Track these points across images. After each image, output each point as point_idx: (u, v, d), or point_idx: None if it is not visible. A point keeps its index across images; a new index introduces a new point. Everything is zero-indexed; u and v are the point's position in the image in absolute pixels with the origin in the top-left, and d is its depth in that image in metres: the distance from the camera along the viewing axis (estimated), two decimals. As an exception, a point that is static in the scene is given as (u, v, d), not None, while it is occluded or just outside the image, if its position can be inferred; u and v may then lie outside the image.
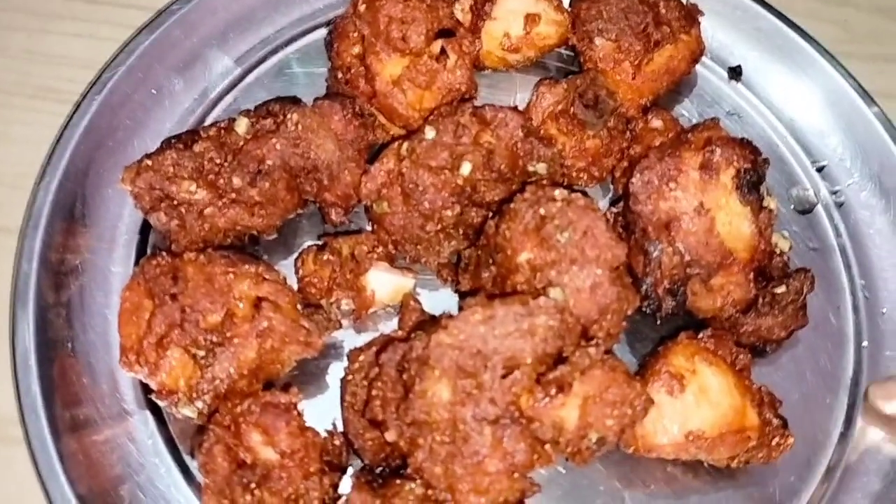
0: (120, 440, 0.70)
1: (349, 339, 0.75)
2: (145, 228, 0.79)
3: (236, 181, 0.71)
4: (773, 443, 0.70)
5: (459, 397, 0.58)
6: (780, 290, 0.74)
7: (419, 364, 0.60)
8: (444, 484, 0.58)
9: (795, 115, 0.92)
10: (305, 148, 0.72)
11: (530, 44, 0.86)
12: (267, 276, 0.71)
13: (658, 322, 0.74)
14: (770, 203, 0.73)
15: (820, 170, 0.89)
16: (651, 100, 0.87)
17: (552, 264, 0.64)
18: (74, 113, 0.79)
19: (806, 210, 0.88)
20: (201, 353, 0.66)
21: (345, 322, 0.74)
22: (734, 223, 0.72)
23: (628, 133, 0.84)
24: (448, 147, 0.72)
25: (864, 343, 0.81)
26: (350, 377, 0.67)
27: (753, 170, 0.72)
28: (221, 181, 0.71)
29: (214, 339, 0.66)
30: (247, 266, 0.71)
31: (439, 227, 0.73)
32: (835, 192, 0.88)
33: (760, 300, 0.74)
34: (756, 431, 0.69)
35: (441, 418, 0.58)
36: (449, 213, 0.73)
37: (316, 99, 0.76)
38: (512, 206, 0.68)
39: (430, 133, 0.73)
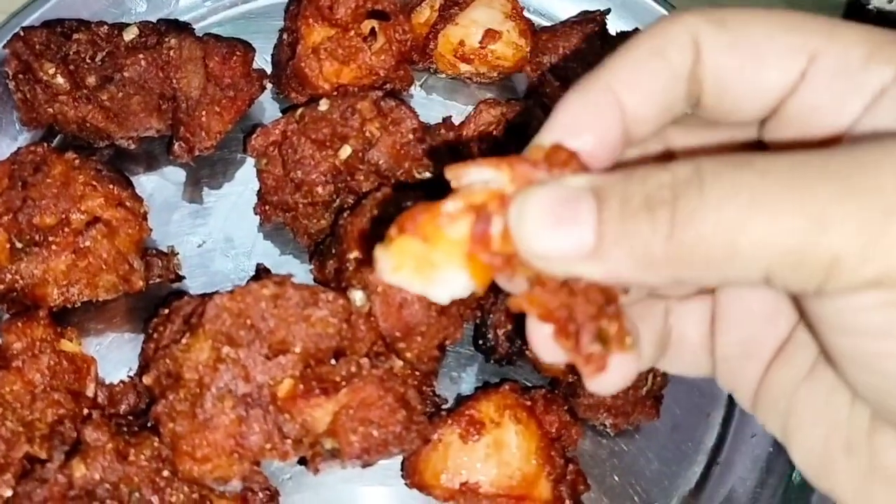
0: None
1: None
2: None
3: (90, 79, 0.72)
4: (560, 524, 0.66)
5: (214, 363, 0.56)
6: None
7: (197, 319, 0.58)
8: (169, 439, 0.57)
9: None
10: (171, 74, 0.72)
11: (483, 59, 0.83)
12: (127, 204, 0.71)
13: (491, 363, 0.71)
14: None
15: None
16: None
17: (372, 270, 0.62)
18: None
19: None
20: (20, 244, 0.66)
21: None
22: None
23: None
24: (332, 124, 0.71)
25: (719, 460, 0.75)
26: (153, 322, 0.66)
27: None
28: (80, 75, 0.72)
29: (38, 237, 0.66)
30: (112, 186, 0.71)
31: (308, 200, 0.72)
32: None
33: (603, 377, 0.69)
34: (541, 505, 0.65)
35: (191, 377, 0.57)
36: (320, 189, 0.71)
37: (218, 37, 0.76)
38: (363, 201, 0.66)
39: (323, 105, 0.71)
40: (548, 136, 0.35)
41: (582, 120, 0.35)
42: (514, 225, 0.32)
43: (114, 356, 0.72)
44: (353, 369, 0.57)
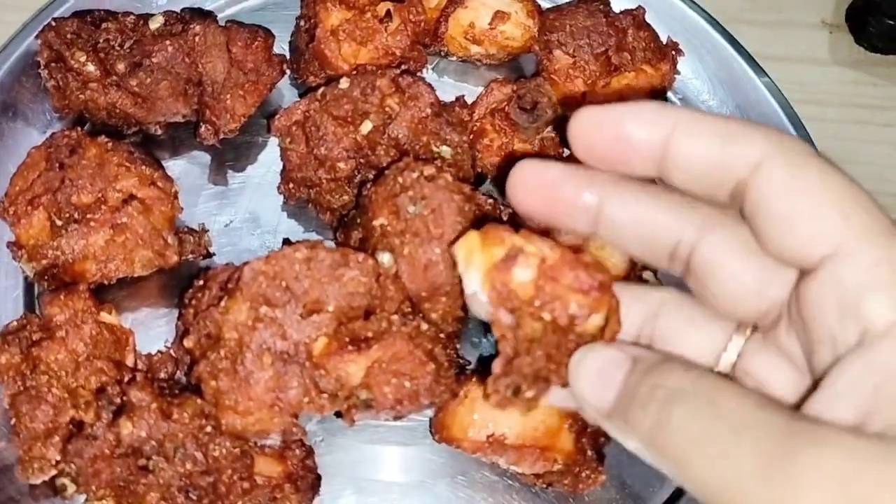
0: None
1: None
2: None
3: (120, 66, 0.75)
4: (583, 474, 0.69)
5: (253, 322, 0.59)
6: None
7: (234, 284, 0.61)
8: (211, 397, 0.60)
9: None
10: (196, 59, 0.76)
11: (492, 40, 0.86)
12: (159, 184, 0.74)
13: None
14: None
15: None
16: (601, 124, 0.86)
17: (399, 233, 0.65)
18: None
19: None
20: (59, 222, 0.69)
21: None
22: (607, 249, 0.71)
23: (564, 150, 0.83)
24: (353, 101, 0.74)
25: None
26: (189, 293, 0.68)
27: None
28: (110, 63, 0.75)
29: (77, 215, 0.70)
30: (144, 167, 0.74)
31: (331, 175, 0.75)
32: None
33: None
34: (564, 456, 0.67)
35: (230, 336, 0.60)
36: (342, 164, 0.75)
37: (240, 23, 0.79)
38: (387, 171, 0.69)
39: (343, 84, 0.75)
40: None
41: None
42: (572, 371, 0.45)
43: (149, 330, 0.76)
44: (384, 325, 0.60)
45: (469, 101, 0.83)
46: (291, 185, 0.79)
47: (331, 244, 0.63)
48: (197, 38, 0.76)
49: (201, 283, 0.66)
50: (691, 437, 0.37)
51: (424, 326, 0.64)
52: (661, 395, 0.39)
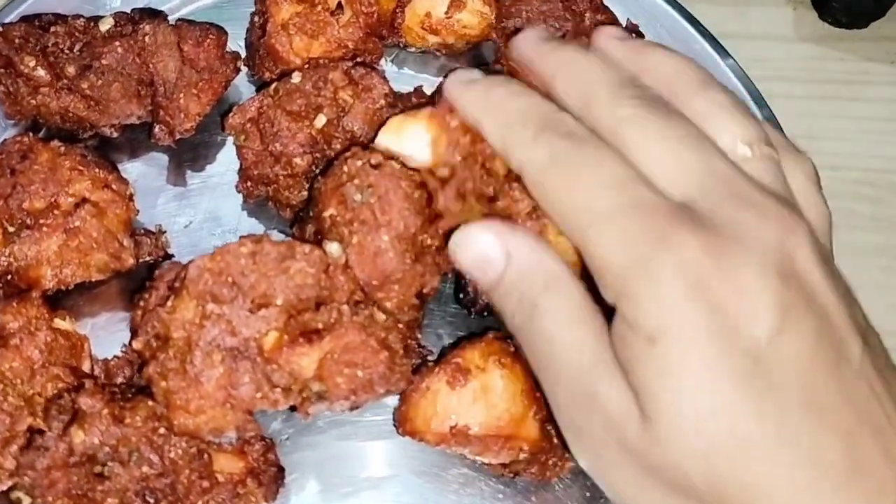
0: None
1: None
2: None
3: (70, 70, 0.74)
4: (549, 462, 0.68)
5: (200, 320, 0.59)
6: (605, 313, 0.71)
7: (180, 282, 0.61)
8: (163, 398, 0.59)
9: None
10: (147, 59, 0.75)
11: (450, 29, 0.85)
12: (113, 186, 0.73)
13: (472, 316, 0.73)
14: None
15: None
16: (562, 109, 0.85)
17: (347, 223, 0.64)
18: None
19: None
20: (12, 228, 0.69)
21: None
22: (565, 239, 0.70)
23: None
24: (306, 95, 0.73)
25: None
26: (138, 294, 0.68)
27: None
28: (60, 67, 0.74)
29: (29, 221, 0.69)
30: (98, 170, 0.73)
31: (288, 171, 0.74)
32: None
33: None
34: (530, 444, 0.66)
35: (178, 335, 0.59)
36: (299, 160, 0.74)
37: (192, 22, 0.78)
38: (335, 161, 0.68)
39: (295, 78, 0.74)
40: None
41: None
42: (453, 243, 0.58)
43: (108, 335, 0.74)
44: (335, 316, 0.59)
45: (427, 91, 0.82)
46: (249, 184, 0.78)
47: (280, 237, 0.62)
48: (147, 38, 0.76)
49: (150, 283, 0.65)
50: (550, 337, 0.50)
51: (379, 316, 0.63)
52: (527, 308, 0.51)
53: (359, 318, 0.60)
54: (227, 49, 0.81)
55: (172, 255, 0.77)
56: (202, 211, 0.81)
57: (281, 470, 0.66)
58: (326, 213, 0.66)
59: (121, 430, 0.60)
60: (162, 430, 0.60)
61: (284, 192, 0.76)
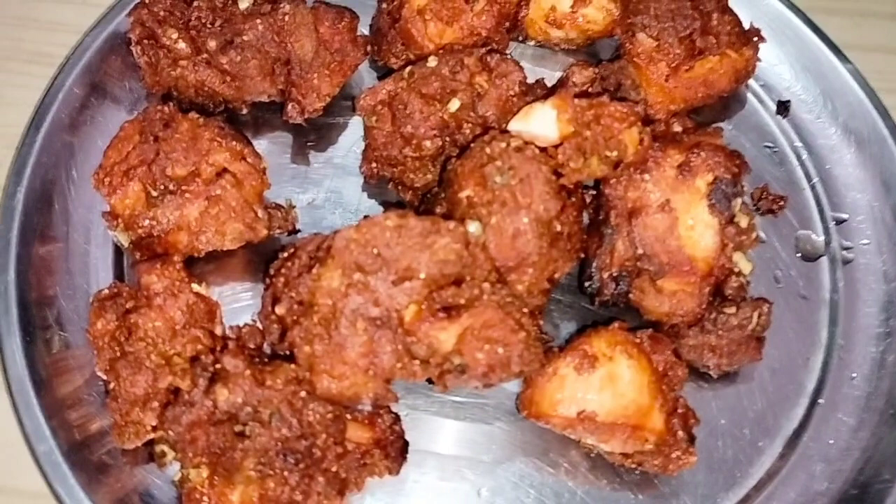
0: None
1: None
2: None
3: (211, 44, 0.77)
4: (673, 455, 0.67)
5: (346, 288, 0.60)
6: (730, 310, 0.71)
7: (325, 252, 0.62)
8: (306, 362, 0.60)
9: (833, 165, 0.88)
10: (285, 38, 0.77)
11: (574, 23, 0.86)
12: (248, 159, 0.75)
13: (596, 306, 0.73)
14: (742, 221, 0.70)
15: (839, 223, 0.85)
16: (683, 108, 0.85)
17: (486, 204, 0.65)
18: (58, 75, 0.82)
19: (810, 257, 0.83)
20: (155, 193, 0.71)
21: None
22: (697, 230, 0.70)
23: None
24: (442, 79, 0.74)
25: (821, 401, 0.76)
26: (277, 263, 0.69)
27: (732, 182, 0.70)
28: (201, 41, 0.77)
29: (171, 187, 0.71)
30: (234, 143, 0.75)
31: (417, 154, 0.75)
32: (846, 249, 0.83)
33: (707, 316, 0.71)
34: (656, 436, 0.66)
35: (324, 303, 0.60)
36: (429, 143, 0.75)
37: (328, 4, 0.80)
38: (472, 144, 0.69)
39: (431, 62, 0.75)
40: None
41: None
42: None
43: (234, 304, 0.77)
44: (475, 293, 0.60)
45: (548, 84, 0.82)
46: (374, 165, 0.79)
47: None
48: (286, 18, 0.78)
49: (289, 252, 0.66)
50: None
51: (514, 297, 0.63)
52: None
53: (497, 297, 0.61)
54: (358, 33, 0.82)
55: (300, 230, 0.78)
56: (325, 190, 0.83)
57: (406, 444, 0.67)
58: (463, 194, 0.67)
59: (262, 391, 0.62)
60: (302, 394, 0.61)
61: (410, 175, 0.77)
